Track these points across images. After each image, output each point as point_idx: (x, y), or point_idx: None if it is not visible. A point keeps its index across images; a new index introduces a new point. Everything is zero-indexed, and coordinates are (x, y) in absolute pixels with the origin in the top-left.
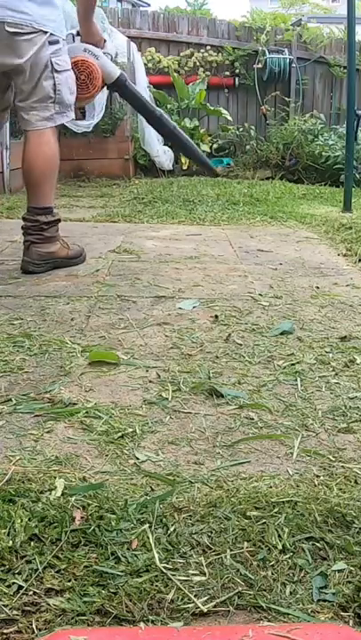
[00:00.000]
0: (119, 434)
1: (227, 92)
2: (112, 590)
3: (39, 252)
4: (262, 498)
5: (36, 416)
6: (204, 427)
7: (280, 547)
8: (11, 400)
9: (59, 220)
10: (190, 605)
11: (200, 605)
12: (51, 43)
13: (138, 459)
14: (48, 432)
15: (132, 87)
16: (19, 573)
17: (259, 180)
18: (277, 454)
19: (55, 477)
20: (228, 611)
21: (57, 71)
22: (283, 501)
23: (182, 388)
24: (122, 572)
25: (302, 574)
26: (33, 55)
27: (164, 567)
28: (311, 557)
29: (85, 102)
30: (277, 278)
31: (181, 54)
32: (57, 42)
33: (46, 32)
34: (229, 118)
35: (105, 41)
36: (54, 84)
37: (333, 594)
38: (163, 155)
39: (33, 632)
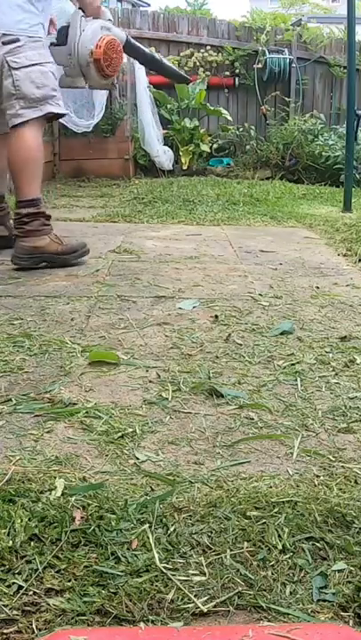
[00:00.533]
0: (119, 434)
1: (227, 92)
2: (112, 590)
3: (24, 245)
4: (262, 498)
5: (36, 416)
6: (204, 427)
7: (280, 547)
8: (11, 400)
9: (43, 214)
10: (190, 605)
11: (200, 605)
12: (5, 43)
13: (138, 459)
14: (48, 432)
15: (134, 43)
16: (19, 573)
17: (259, 180)
18: (277, 454)
19: (55, 477)
20: (228, 611)
21: (14, 69)
22: (283, 501)
23: (182, 388)
24: (122, 571)
25: (302, 574)
26: None
27: (164, 567)
28: (311, 557)
29: (117, 73)
30: (277, 278)
31: (181, 54)
32: (14, 40)
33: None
34: (229, 118)
35: (100, 7)
36: (13, 82)
37: (333, 594)
38: (163, 155)
39: (33, 632)
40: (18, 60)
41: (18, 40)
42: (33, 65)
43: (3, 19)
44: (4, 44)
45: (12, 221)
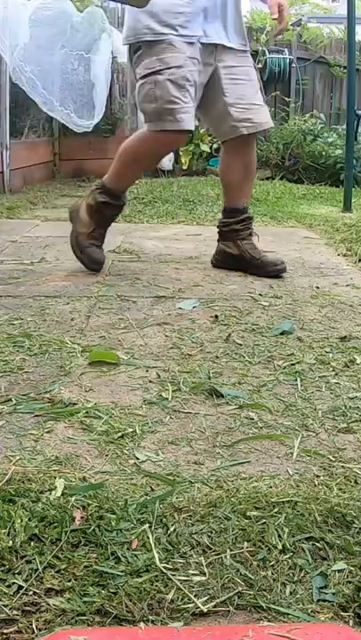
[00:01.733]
0: (119, 434)
1: None
2: (112, 590)
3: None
4: (262, 498)
5: (36, 416)
6: (204, 427)
7: (280, 547)
8: (11, 400)
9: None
10: (190, 605)
11: (200, 605)
12: (134, 52)
13: (138, 459)
14: (48, 432)
15: None
16: (19, 573)
17: (259, 180)
18: (277, 454)
19: (55, 477)
20: (228, 611)
21: (137, 80)
22: (283, 501)
23: (182, 388)
24: (122, 571)
25: (302, 574)
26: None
27: (164, 567)
28: (311, 557)
29: None
30: (277, 278)
31: None
32: (137, 49)
33: (128, 45)
34: None
35: None
36: (137, 94)
37: (333, 594)
38: None
39: (33, 632)
40: (138, 70)
41: (140, 48)
42: (148, 75)
43: (132, 24)
44: (134, 52)
45: (245, 242)
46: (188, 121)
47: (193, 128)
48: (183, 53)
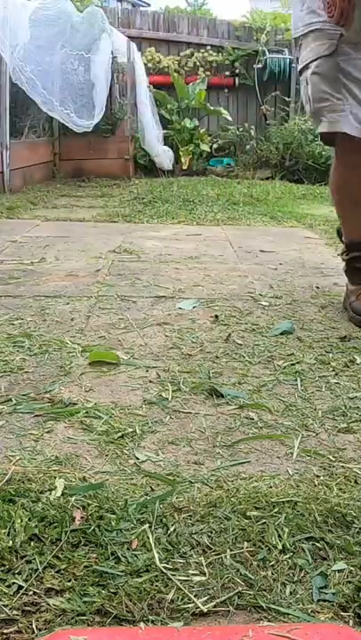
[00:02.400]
0: (119, 434)
1: (227, 91)
2: (112, 590)
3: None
4: (262, 498)
5: (36, 416)
6: (204, 427)
7: (280, 547)
8: (11, 400)
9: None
10: (190, 605)
11: (200, 605)
12: (298, 47)
13: (138, 459)
14: (48, 432)
15: None
16: (19, 573)
17: (259, 180)
18: (277, 454)
19: (55, 477)
20: (228, 611)
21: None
22: (283, 501)
23: (182, 388)
24: (122, 571)
25: (302, 574)
26: None
27: (164, 567)
28: (311, 557)
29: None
30: (277, 278)
31: (181, 54)
32: (298, 41)
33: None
34: (229, 118)
35: None
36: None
37: (333, 594)
38: (163, 155)
39: (33, 632)
40: (298, 67)
41: (299, 39)
42: (301, 71)
43: (293, 20)
44: (298, 48)
45: None
46: (345, 121)
47: (351, 132)
48: (332, 39)
